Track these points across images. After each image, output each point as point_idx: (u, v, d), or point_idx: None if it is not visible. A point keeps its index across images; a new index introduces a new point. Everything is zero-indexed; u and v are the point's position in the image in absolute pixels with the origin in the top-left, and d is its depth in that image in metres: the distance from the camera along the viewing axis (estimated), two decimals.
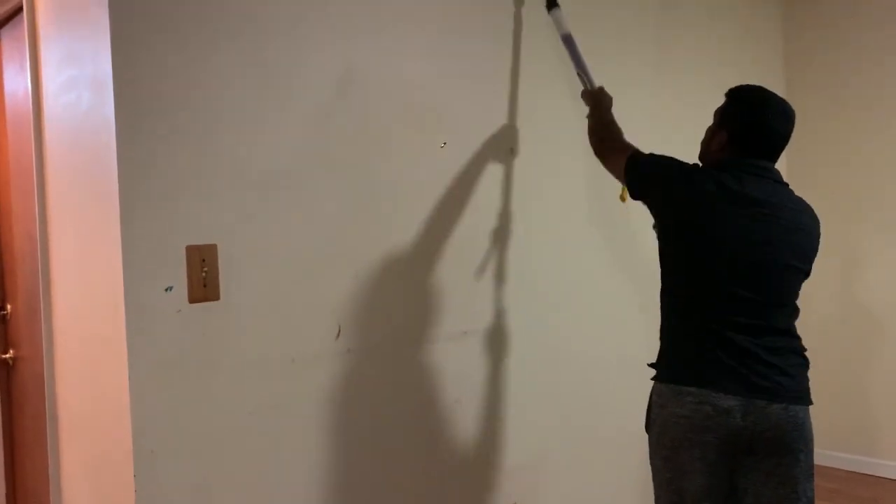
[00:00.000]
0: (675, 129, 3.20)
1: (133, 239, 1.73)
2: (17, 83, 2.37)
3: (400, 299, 2.26)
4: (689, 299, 1.86)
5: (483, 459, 2.51)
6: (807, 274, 1.88)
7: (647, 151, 2.06)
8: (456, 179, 2.41)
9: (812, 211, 1.91)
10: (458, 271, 2.42)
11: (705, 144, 1.99)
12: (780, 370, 1.77)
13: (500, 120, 2.54)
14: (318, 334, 2.07)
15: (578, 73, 2.44)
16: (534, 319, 2.68)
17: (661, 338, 1.94)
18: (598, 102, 2.30)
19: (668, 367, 1.88)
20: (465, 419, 2.44)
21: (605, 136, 2.17)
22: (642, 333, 3.07)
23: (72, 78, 1.90)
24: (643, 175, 1.95)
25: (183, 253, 1.80)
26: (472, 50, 2.45)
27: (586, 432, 2.85)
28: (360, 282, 2.16)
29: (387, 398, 2.23)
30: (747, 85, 1.98)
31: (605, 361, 2.94)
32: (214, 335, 1.86)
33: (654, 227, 1.97)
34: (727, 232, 1.78)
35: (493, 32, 2.53)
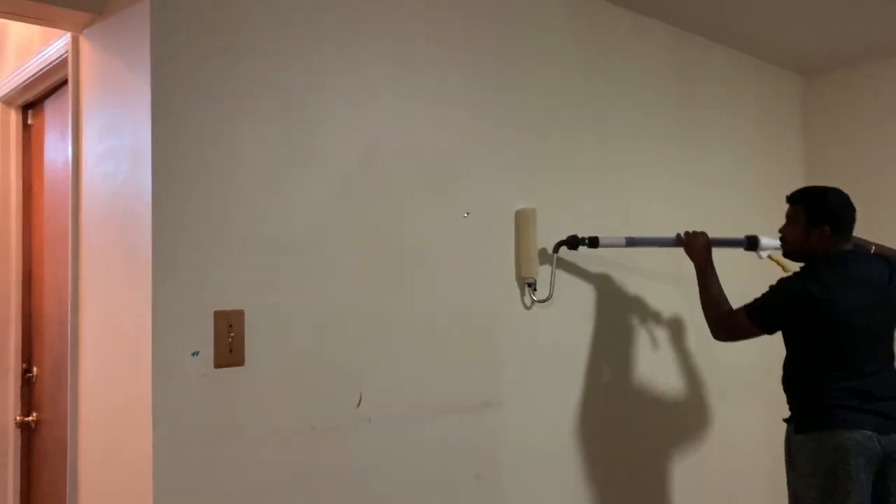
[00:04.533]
0: (697, 203, 3.25)
1: (163, 303, 1.76)
2: (57, 152, 2.45)
3: (421, 368, 2.26)
4: (819, 366, 2.30)
5: None
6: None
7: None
8: (479, 248, 2.44)
9: (881, 262, 2.40)
10: (481, 341, 2.42)
11: (802, 242, 2.37)
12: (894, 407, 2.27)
13: (522, 192, 2.58)
14: (339, 402, 2.07)
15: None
16: (558, 392, 2.67)
17: (799, 396, 2.35)
18: (693, 251, 2.56)
19: (812, 417, 2.30)
20: (486, 495, 2.40)
21: (719, 314, 2.43)
22: (676, 401, 3.04)
23: (111, 148, 1.97)
24: (769, 320, 2.34)
25: (211, 318, 1.83)
26: (494, 126, 2.52)
27: None
28: (382, 350, 2.17)
29: (407, 469, 2.20)
30: (813, 186, 2.46)
31: (636, 437, 2.90)
32: (238, 401, 1.87)
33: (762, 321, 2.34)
34: (847, 311, 2.25)
35: (516, 111, 2.59)
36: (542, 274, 2.61)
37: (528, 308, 2.59)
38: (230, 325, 1.85)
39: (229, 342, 1.85)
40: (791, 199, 2.43)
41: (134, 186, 1.84)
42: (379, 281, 2.18)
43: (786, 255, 2.47)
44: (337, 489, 2.05)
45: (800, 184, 3.84)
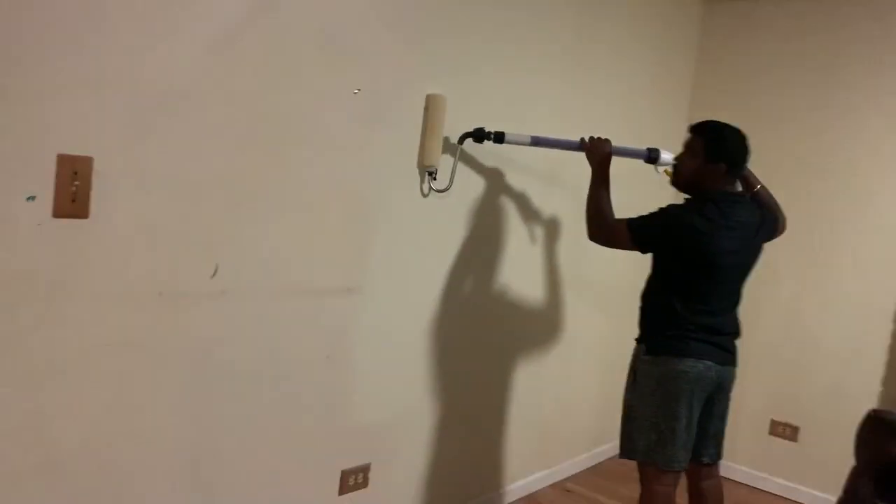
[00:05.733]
0: (593, 115, 3.25)
1: None
2: None
3: (287, 246, 2.15)
4: (682, 297, 2.36)
5: (344, 416, 2.46)
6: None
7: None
8: (378, 130, 2.31)
9: (756, 210, 2.45)
10: (351, 226, 2.33)
11: (697, 176, 2.36)
12: (732, 343, 2.47)
13: (421, 72, 2.45)
14: (192, 270, 1.94)
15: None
16: (427, 282, 2.67)
17: (657, 321, 2.42)
18: (593, 157, 2.54)
19: (665, 342, 2.39)
20: (334, 376, 2.38)
21: (601, 218, 2.44)
22: (535, 303, 3.11)
23: None
24: (647, 239, 2.37)
25: (53, 161, 1.62)
26: (403, 6, 2.34)
27: (447, 398, 2.87)
28: (247, 221, 2.03)
29: (255, 346, 2.13)
30: (717, 121, 2.38)
31: (490, 334, 2.96)
32: (77, 256, 1.69)
33: (641, 244, 2.37)
34: (721, 252, 2.31)
35: None
36: (444, 164, 2.56)
37: (425, 196, 2.54)
38: (75, 172, 1.65)
39: (73, 191, 1.65)
40: (694, 129, 2.40)
41: None
42: (254, 149, 2.00)
43: (674, 183, 2.47)
44: (178, 359, 1.94)
45: (684, 109, 3.93)
